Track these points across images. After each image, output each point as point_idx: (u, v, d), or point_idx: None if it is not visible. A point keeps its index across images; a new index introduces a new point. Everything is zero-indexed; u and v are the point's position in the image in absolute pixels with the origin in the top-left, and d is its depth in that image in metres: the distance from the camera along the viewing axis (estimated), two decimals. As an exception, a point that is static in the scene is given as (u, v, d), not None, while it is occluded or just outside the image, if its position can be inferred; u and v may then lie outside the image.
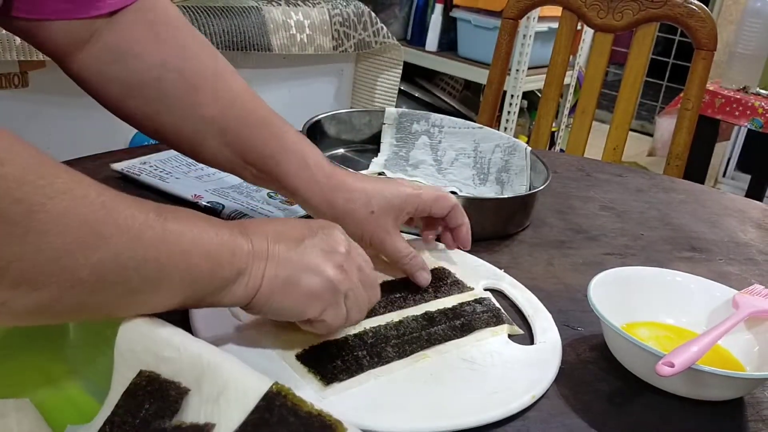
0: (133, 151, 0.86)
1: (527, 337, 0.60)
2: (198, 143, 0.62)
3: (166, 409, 0.38)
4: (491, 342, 0.57)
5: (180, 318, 0.49)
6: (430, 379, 0.52)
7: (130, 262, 0.39)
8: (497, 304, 0.62)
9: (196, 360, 0.40)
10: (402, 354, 0.53)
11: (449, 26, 2.43)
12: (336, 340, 0.53)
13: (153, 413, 0.38)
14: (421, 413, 0.48)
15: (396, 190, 0.63)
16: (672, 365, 0.49)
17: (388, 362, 0.52)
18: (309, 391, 0.48)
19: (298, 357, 0.50)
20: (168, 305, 0.43)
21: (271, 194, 0.79)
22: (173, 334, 0.42)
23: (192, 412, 0.39)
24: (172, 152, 0.84)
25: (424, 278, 0.63)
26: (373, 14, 1.73)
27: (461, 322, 0.58)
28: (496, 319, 0.59)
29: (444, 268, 0.66)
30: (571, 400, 0.53)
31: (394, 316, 0.58)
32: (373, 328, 0.55)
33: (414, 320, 0.57)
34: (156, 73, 0.59)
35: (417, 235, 0.74)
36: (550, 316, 0.62)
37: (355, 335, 0.54)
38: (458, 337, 0.56)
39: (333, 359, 0.51)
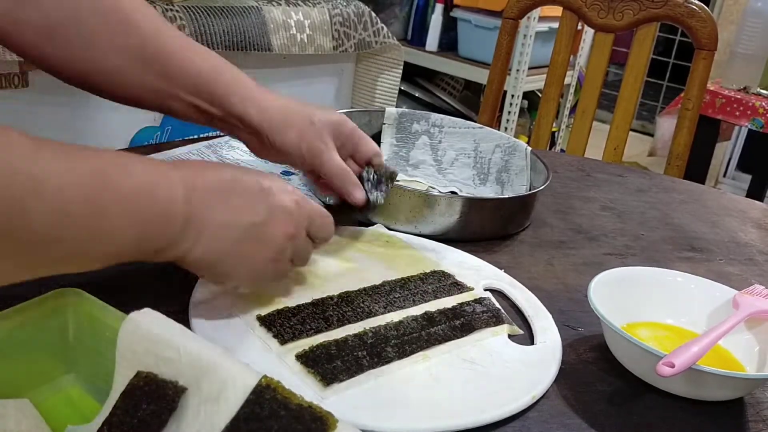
0: (133, 151, 0.86)
1: (527, 337, 0.60)
2: (121, 79, 0.60)
3: (163, 408, 0.39)
4: (491, 342, 0.57)
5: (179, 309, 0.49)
6: (430, 379, 0.51)
7: (49, 237, 0.38)
8: (497, 305, 0.62)
9: (196, 360, 0.40)
10: (402, 354, 0.53)
11: (449, 26, 2.43)
12: (336, 340, 0.53)
13: (151, 413, 0.38)
14: (421, 413, 0.48)
15: (335, 114, 0.66)
16: (672, 365, 0.49)
17: (388, 362, 0.52)
18: (308, 391, 0.48)
19: (298, 357, 0.50)
20: (92, 267, 0.43)
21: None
22: (174, 334, 0.42)
23: (192, 412, 0.39)
24: (174, 152, 0.84)
25: (359, 195, 0.64)
26: (373, 14, 1.73)
27: (461, 322, 0.58)
28: (496, 319, 0.59)
29: (444, 272, 0.66)
30: (571, 401, 0.53)
31: (394, 316, 0.58)
32: (373, 328, 0.55)
33: (414, 320, 0.57)
34: (71, 13, 0.57)
35: (417, 235, 0.74)
36: (550, 316, 0.62)
37: (355, 335, 0.54)
38: (458, 337, 0.56)
39: (332, 359, 0.51)
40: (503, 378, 0.53)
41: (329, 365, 0.50)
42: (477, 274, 0.67)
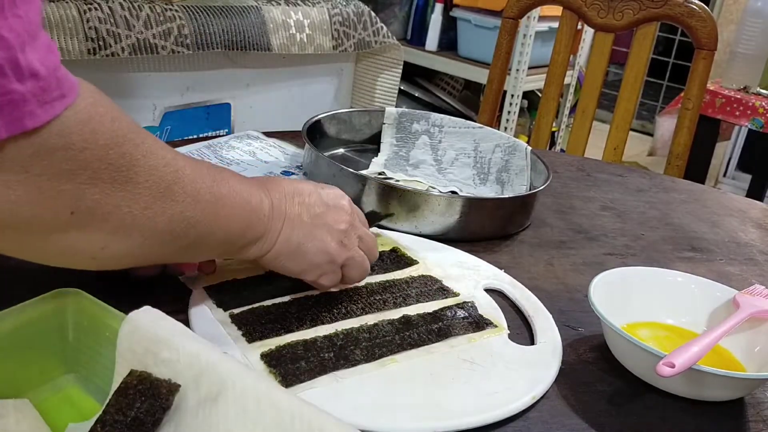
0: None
1: (527, 337, 0.60)
2: None
3: (157, 407, 0.39)
4: (491, 342, 0.57)
5: (179, 309, 0.49)
6: (430, 379, 0.51)
7: (191, 219, 0.45)
8: (480, 312, 0.61)
9: (195, 360, 0.40)
10: (370, 357, 0.52)
11: (449, 26, 2.43)
12: (305, 340, 0.53)
13: (145, 411, 0.38)
14: (421, 413, 0.48)
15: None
16: (672, 366, 0.49)
17: (354, 365, 0.51)
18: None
19: (263, 356, 0.50)
20: (207, 258, 0.53)
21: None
22: (173, 334, 0.42)
23: (190, 413, 0.39)
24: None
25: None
26: (373, 14, 1.73)
27: (438, 327, 0.57)
28: (476, 325, 0.59)
29: (432, 276, 0.66)
30: (571, 401, 0.52)
31: (370, 319, 0.57)
32: (345, 330, 0.55)
33: (389, 324, 0.57)
34: None
35: (417, 235, 0.74)
36: (550, 316, 0.62)
37: (325, 336, 0.54)
38: (432, 342, 0.56)
39: (297, 360, 0.50)
40: (503, 378, 0.53)
41: (293, 365, 0.50)
42: (477, 274, 0.67)
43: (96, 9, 1.18)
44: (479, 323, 0.59)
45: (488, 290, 0.66)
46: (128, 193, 0.41)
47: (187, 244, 0.47)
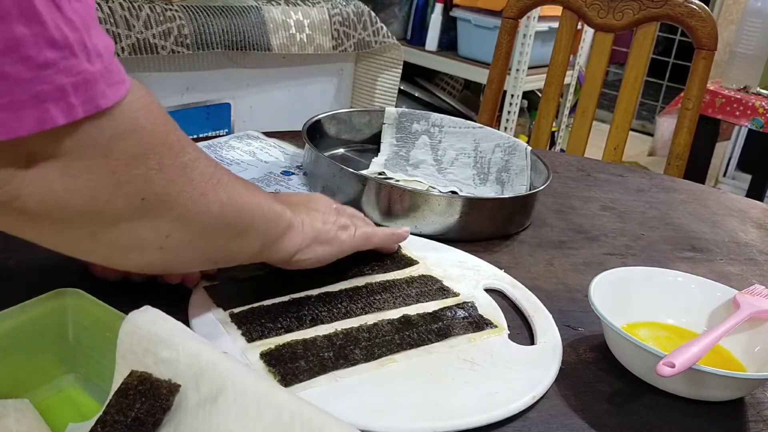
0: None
1: (527, 337, 0.60)
2: None
3: (157, 407, 0.39)
4: (491, 342, 0.57)
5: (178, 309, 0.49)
6: (430, 379, 0.51)
7: (237, 206, 0.47)
8: (480, 312, 0.61)
9: (194, 359, 0.40)
10: (369, 357, 0.52)
11: (449, 26, 2.43)
12: (304, 339, 0.53)
13: (145, 412, 0.38)
14: (421, 413, 0.48)
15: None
16: (672, 366, 0.49)
17: (354, 365, 0.51)
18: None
19: (262, 356, 0.50)
20: (252, 254, 0.52)
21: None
22: (173, 333, 0.42)
23: (190, 413, 0.39)
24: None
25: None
26: (372, 14, 1.73)
27: (438, 326, 0.57)
28: (476, 326, 0.59)
29: (432, 276, 0.66)
30: (571, 401, 0.52)
31: (370, 319, 0.57)
32: (345, 329, 0.55)
33: (389, 323, 0.57)
34: None
35: (417, 235, 0.74)
36: (550, 316, 0.62)
37: (324, 336, 0.54)
38: (431, 342, 0.55)
39: (297, 359, 0.50)
40: (503, 378, 0.53)
41: (292, 365, 0.50)
42: (477, 274, 0.67)
43: (96, 9, 1.18)
44: (479, 323, 0.59)
45: (488, 290, 0.65)
46: (187, 179, 0.42)
47: (236, 233, 0.48)
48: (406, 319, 0.58)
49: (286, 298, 0.58)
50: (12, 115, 0.32)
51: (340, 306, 0.58)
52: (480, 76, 2.32)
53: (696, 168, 2.28)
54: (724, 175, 3.30)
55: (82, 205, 0.37)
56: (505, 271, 0.69)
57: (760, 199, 2.40)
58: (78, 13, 0.34)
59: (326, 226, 0.59)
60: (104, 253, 0.43)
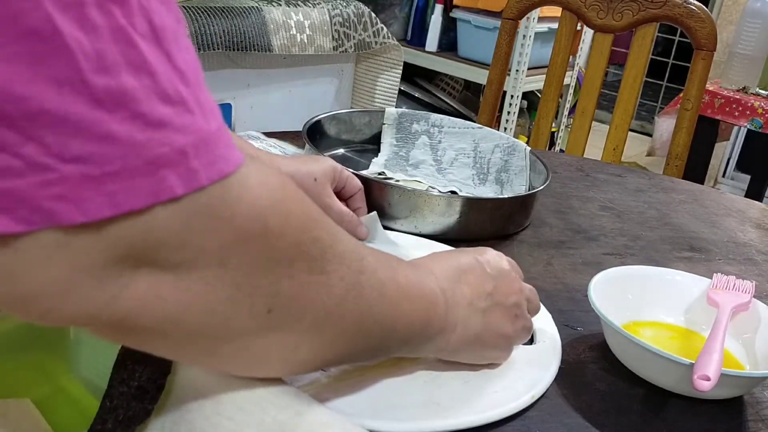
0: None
1: (527, 336, 0.60)
2: None
3: (159, 372, 0.38)
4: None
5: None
6: (430, 379, 0.51)
7: (377, 315, 0.40)
8: None
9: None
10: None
11: (449, 26, 2.43)
12: None
13: (146, 378, 0.38)
14: (421, 413, 0.48)
15: (325, 162, 0.70)
16: (708, 378, 0.49)
17: (354, 364, 0.51)
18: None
19: None
20: (379, 360, 0.48)
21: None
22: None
23: (195, 411, 0.39)
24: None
25: (363, 231, 0.71)
26: (373, 15, 1.73)
27: None
28: None
29: None
30: (571, 400, 0.53)
31: None
32: None
33: None
34: None
35: (417, 235, 0.74)
36: (550, 315, 0.62)
37: None
38: None
39: None
40: (503, 377, 0.53)
41: None
42: (477, 274, 0.67)
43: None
44: None
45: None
46: (322, 286, 0.36)
47: (371, 345, 0.42)
48: None
49: None
50: (124, 186, 0.26)
51: None
52: (480, 76, 2.32)
53: (695, 168, 2.28)
54: (723, 175, 3.30)
55: (203, 323, 0.32)
56: (504, 271, 0.69)
57: (759, 199, 2.40)
58: (189, 64, 0.29)
59: (495, 342, 0.51)
60: (224, 367, 0.37)
